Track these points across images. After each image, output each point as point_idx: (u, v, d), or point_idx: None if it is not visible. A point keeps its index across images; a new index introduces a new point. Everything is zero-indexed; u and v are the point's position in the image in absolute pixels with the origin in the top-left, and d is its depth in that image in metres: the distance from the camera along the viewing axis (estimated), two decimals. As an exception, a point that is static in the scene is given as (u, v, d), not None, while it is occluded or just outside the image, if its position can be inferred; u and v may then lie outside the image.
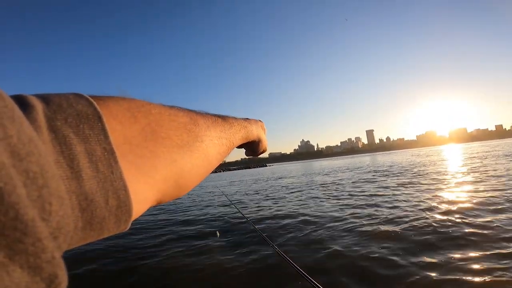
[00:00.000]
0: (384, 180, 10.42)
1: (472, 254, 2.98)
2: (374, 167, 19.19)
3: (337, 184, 10.88)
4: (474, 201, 5.21)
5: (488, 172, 9.44)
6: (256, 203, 8.14)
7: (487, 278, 2.49)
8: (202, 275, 3.24)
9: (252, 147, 0.47)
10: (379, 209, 5.49)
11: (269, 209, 6.92)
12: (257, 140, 0.45)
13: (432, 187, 7.55)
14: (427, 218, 4.39)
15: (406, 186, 8.27)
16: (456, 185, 7.40)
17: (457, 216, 4.32)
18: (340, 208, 5.99)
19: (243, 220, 5.39)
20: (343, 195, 7.89)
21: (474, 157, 19.03)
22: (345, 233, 4.15)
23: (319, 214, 5.62)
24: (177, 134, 0.25)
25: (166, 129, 0.24)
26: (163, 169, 0.23)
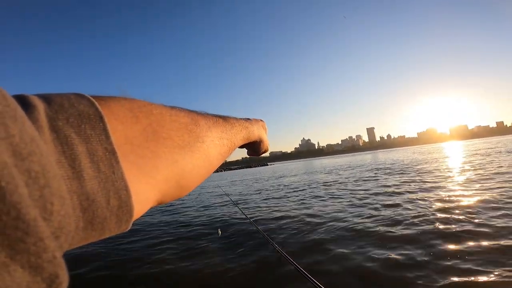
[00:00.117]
0: (386, 178, 10.35)
1: (480, 255, 2.91)
2: (376, 165, 19.11)
3: (339, 183, 10.82)
4: (480, 199, 5.13)
5: (492, 169, 9.35)
6: (258, 203, 8.09)
7: (495, 279, 2.42)
8: (202, 275, 3.23)
9: (253, 147, 0.47)
10: (382, 208, 5.43)
11: (271, 208, 6.87)
12: (258, 140, 0.45)
13: (436, 185, 7.47)
14: (432, 218, 4.32)
15: (409, 184, 8.20)
16: (460, 184, 7.32)
17: (463, 216, 4.22)
18: (342, 208, 5.93)
19: (244, 219, 5.35)
20: (345, 194, 7.83)
21: (476, 154, 18.92)
22: (347, 233, 4.09)
23: (321, 214, 5.56)
24: (178, 134, 0.25)
25: (167, 129, 0.24)
26: (164, 169, 0.23)
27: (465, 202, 5.07)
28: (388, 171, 13.46)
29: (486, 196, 5.29)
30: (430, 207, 4.94)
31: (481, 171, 9.08)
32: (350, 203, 6.32)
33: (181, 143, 0.25)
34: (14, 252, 0.11)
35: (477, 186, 6.52)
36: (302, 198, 7.99)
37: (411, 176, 10.01)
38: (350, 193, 7.73)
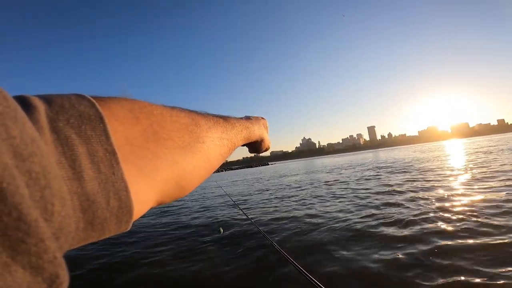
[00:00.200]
0: (388, 177, 10.28)
1: (486, 255, 2.85)
2: (377, 164, 19.03)
3: (340, 182, 10.76)
4: (484, 198, 5.07)
5: (495, 167, 9.28)
6: (259, 203, 8.04)
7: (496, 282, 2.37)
8: (202, 275, 3.22)
9: (255, 146, 0.47)
10: (384, 207, 5.37)
11: (272, 208, 6.82)
12: (259, 139, 0.45)
13: (439, 184, 7.40)
14: (436, 217, 4.26)
15: (411, 183, 8.13)
16: (464, 182, 7.25)
17: (468, 215, 4.14)
18: (344, 207, 5.88)
19: (245, 220, 5.31)
20: (347, 193, 7.77)
21: (478, 151, 18.81)
22: (349, 233, 4.04)
23: (322, 214, 5.51)
24: (178, 135, 0.25)
25: (168, 130, 0.24)
26: (164, 170, 0.23)
27: (470, 201, 5.00)
28: (389, 169, 13.38)
29: (491, 195, 5.22)
30: (433, 207, 4.87)
31: (484, 169, 9.00)
32: (352, 202, 6.27)
33: (182, 143, 0.25)
34: (15, 252, 0.11)
35: (481, 184, 6.45)
36: (303, 198, 7.94)
37: (413, 175, 9.94)
38: (352, 193, 7.67)
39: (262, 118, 0.49)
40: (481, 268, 2.58)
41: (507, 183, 6.14)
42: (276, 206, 7.01)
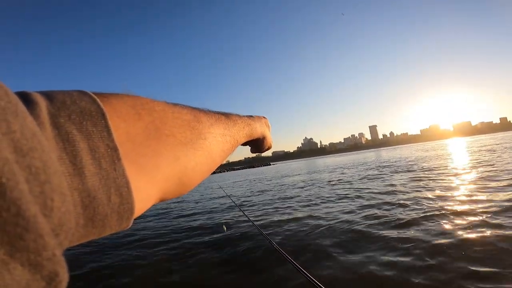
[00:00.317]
0: (392, 176, 10.18)
1: (494, 257, 2.75)
2: (380, 163, 18.91)
3: (343, 182, 10.66)
4: (491, 198, 4.96)
5: (500, 166, 9.15)
6: (260, 204, 7.96)
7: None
8: (202, 275, 3.23)
9: (256, 144, 0.47)
10: (388, 208, 5.27)
11: (273, 209, 6.75)
12: (261, 137, 0.45)
13: (444, 184, 7.29)
14: (441, 218, 4.16)
15: (416, 182, 8.03)
16: (469, 182, 7.14)
17: (477, 217, 4.04)
18: (347, 208, 5.79)
19: (245, 220, 5.22)
20: (350, 193, 7.68)
21: (482, 150, 18.65)
22: (351, 234, 3.96)
23: (324, 215, 5.43)
24: (180, 131, 0.25)
25: (170, 126, 0.24)
26: (166, 166, 0.23)
27: (476, 201, 4.88)
28: (393, 169, 13.28)
29: (499, 195, 5.10)
30: (439, 207, 4.77)
31: (489, 168, 8.88)
32: (355, 202, 6.17)
33: (184, 140, 0.25)
34: (13, 249, 0.10)
35: (487, 183, 6.33)
36: (305, 198, 7.85)
37: (417, 174, 9.82)
38: (355, 193, 7.58)
39: (264, 117, 0.48)
40: (487, 269, 2.50)
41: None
42: (277, 207, 6.93)
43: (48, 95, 0.16)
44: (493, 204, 4.43)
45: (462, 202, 4.87)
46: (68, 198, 0.14)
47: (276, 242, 1.98)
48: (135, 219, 0.19)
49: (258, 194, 10.40)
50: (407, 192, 6.51)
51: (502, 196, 4.89)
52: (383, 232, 3.83)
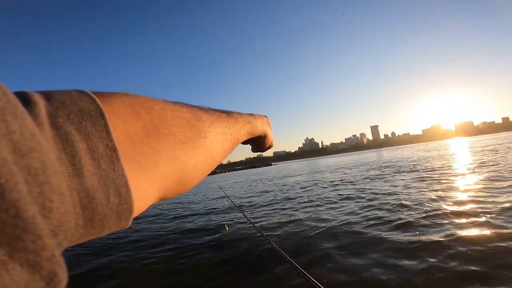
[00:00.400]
0: (394, 177, 10.10)
1: (502, 261, 2.68)
2: (382, 163, 18.81)
3: (345, 183, 10.58)
4: (497, 201, 4.87)
5: (504, 166, 9.05)
6: (261, 205, 7.91)
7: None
8: (202, 275, 3.23)
9: (258, 142, 0.46)
10: (392, 210, 5.21)
11: (274, 210, 6.70)
12: (263, 135, 0.44)
13: (448, 185, 7.21)
14: (446, 220, 4.09)
15: (419, 183, 7.95)
16: (473, 183, 7.05)
17: (482, 219, 3.95)
18: (349, 209, 5.73)
19: (246, 221, 5.16)
20: (352, 194, 7.61)
21: (485, 150, 18.51)
22: (353, 236, 3.90)
23: (326, 216, 5.37)
24: (180, 130, 0.25)
25: (169, 125, 0.24)
26: (166, 166, 0.23)
27: (480, 202, 4.80)
28: (395, 169, 13.18)
29: (503, 196, 5.02)
30: (442, 208, 4.70)
31: (493, 168, 8.79)
32: (357, 204, 6.11)
33: (183, 138, 0.25)
34: (12, 250, 0.11)
35: (492, 184, 6.25)
36: (306, 199, 7.79)
37: (420, 175, 9.73)
38: (357, 193, 7.51)
39: (265, 116, 0.48)
40: (494, 274, 2.43)
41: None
42: (278, 208, 6.88)
43: (47, 95, 0.16)
44: (497, 205, 4.36)
45: (466, 203, 4.79)
46: (67, 199, 0.14)
47: (276, 243, 1.97)
48: (134, 219, 0.19)
49: (259, 195, 10.35)
50: (410, 193, 6.43)
51: (506, 197, 4.81)
52: (385, 233, 3.76)
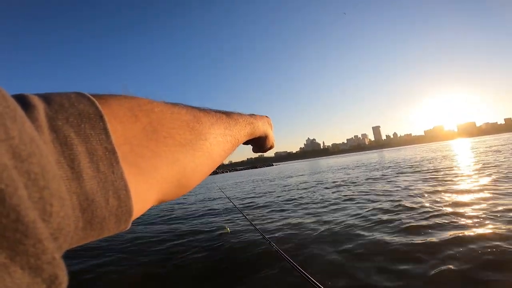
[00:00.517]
0: (397, 178, 10.01)
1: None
2: (384, 164, 18.74)
3: (348, 183, 10.51)
4: (504, 203, 4.78)
5: (508, 167, 8.94)
6: (262, 205, 7.85)
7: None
8: (201, 274, 3.24)
9: (259, 143, 0.46)
10: (393, 211, 5.13)
11: (275, 210, 6.64)
12: (263, 136, 0.44)
13: (453, 187, 7.12)
14: (451, 224, 4.01)
15: (423, 185, 7.86)
16: (479, 185, 6.95)
17: (487, 222, 3.87)
18: (350, 210, 5.66)
19: (247, 223, 5.10)
20: (354, 195, 7.54)
21: (488, 151, 18.39)
22: (353, 237, 3.85)
23: (327, 218, 5.31)
24: (179, 132, 0.25)
25: (168, 128, 0.24)
26: (165, 168, 0.23)
27: (487, 205, 4.72)
28: (398, 170, 13.09)
29: (508, 198, 4.93)
30: (445, 211, 4.61)
31: (497, 169, 8.68)
32: (359, 205, 6.04)
33: (183, 141, 0.25)
34: (14, 253, 0.11)
35: (498, 186, 6.15)
36: (307, 200, 7.74)
37: (423, 176, 9.64)
38: (359, 195, 7.44)
39: (266, 116, 0.47)
40: (495, 278, 2.36)
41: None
42: (279, 209, 6.82)
43: (46, 98, 0.16)
44: (502, 207, 4.28)
45: (471, 205, 4.71)
46: (67, 202, 0.14)
47: (276, 243, 1.95)
48: (133, 221, 0.19)
49: (260, 196, 10.30)
50: (413, 195, 6.35)
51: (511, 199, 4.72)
52: (387, 236, 3.70)
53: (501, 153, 14.99)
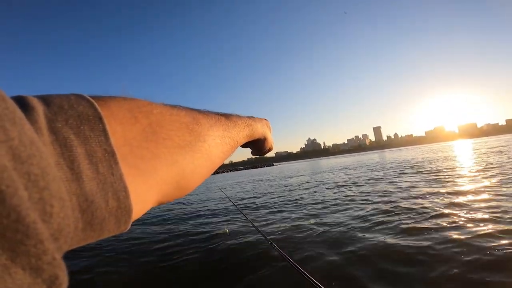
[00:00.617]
0: (399, 178, 9.96)
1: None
2: (385, 165, 18.67)
3: (348, 184, 10.46)
4: (504, 205, 4.73)
5: (510, 168, 8.87)
6: (262, 205, 7.81)
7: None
8: (200, 274, 3.24)
9: (257, 145, 0.46)
10: (395, 212, 5.08)
11: (275, 211, 6.60)
12: (262, 138, 0.44)
13: (454, 188, 7.07)
14: (452, 225, 3.96)
15: (424, 185, 7.81)
16: (481, 186, 6.88)
17: (491, 224, 3.82)
18: (351, 211, 5.62)
19: (248, 224, 5.06)
20: (355, 195, 7.49)
21: (490, 152, 18.30)
22: (353, 237, 3.81)
23: (328, 218, 5.27)
24: (178, 134, 0.25)
25: (167, 129, 0.24)
26: (164, 170, 0.23)
27: (490, 206, 4.67)
28: (399, 170, 13.03)
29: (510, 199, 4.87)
30: (447, 212, 4.57)
31: (498, 170, 8.62)
32: (360, 205, 6.00)
33: (182, 143, 0.25)
34: (14, 254, 0.11)
35: (500, 187, 6.10)
36: (308, 200, 7.70)
37: (424, 177, 9.59)
38: (360, 195, 7.40)
39: (265, 119, 0.48)
40: (497, 280, 2.32)
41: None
42: (279, 209, 6.78)
43: (45, 100, 0.17)
44: (504, 208, 4.22)
45: (473, 206, 4.67)
46: (66, 203, 0.14)
47: (276, 243, 1.93)
48: (133, 222, 0.20)
49: (261, 196, 10.26)
50: (414, 196, 6.30)
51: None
52: (389, 238, 3.66)
53: (503, 154, 14.92)
